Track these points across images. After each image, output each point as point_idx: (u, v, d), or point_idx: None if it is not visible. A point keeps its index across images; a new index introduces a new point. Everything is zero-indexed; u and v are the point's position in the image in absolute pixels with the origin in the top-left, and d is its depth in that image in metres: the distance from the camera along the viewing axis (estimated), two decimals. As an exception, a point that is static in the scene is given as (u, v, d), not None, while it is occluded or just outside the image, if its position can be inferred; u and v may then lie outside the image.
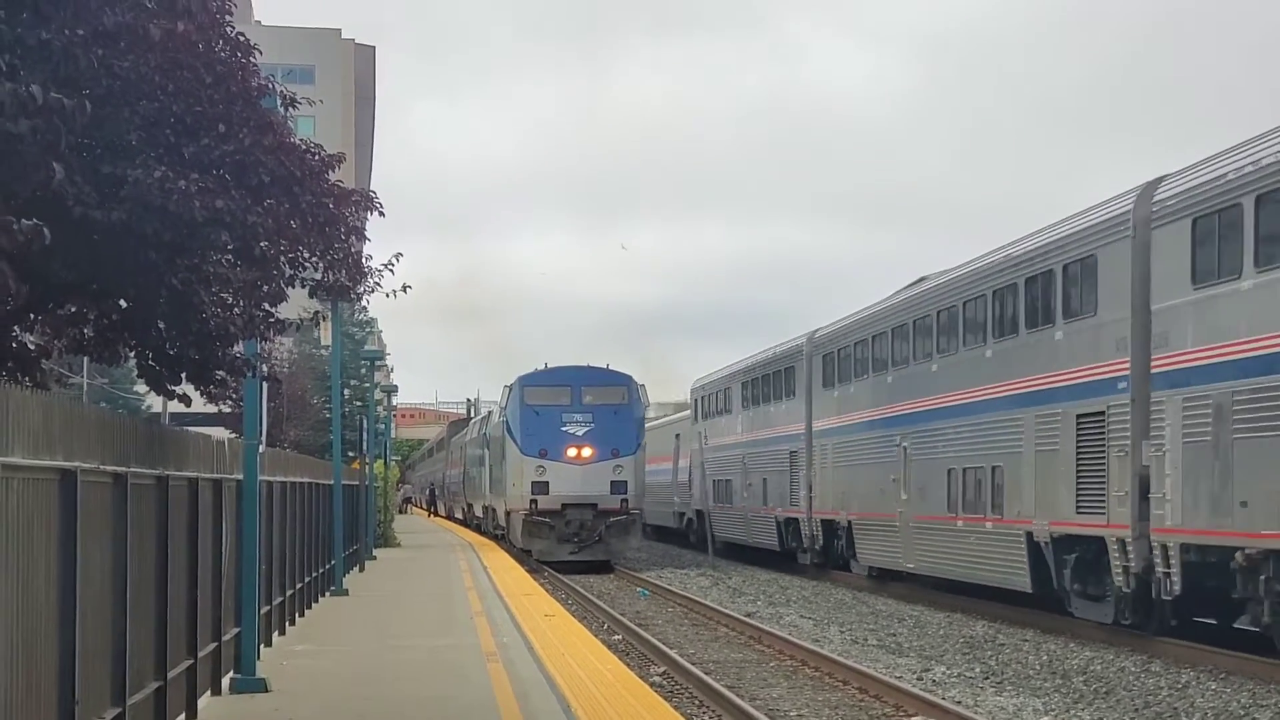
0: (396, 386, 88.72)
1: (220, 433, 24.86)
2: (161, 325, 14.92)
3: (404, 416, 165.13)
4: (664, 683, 24.36)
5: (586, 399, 56.09)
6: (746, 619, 33.95)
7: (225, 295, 14.91)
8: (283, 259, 15.12)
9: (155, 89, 13.33)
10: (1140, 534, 27.17)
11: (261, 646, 21.43)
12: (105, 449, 12.64)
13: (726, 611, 35.91)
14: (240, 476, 19.82)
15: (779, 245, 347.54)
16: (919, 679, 24.58)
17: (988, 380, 34.37)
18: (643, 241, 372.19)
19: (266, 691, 19.35)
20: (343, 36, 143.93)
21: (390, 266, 16.78)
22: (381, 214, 16.12)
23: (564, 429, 55.23)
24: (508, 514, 59.20)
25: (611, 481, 54.87)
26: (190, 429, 19.22)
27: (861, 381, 44.20)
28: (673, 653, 27.50)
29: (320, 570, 34.72)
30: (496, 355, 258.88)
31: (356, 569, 45.66)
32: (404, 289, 17.10)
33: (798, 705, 22.16)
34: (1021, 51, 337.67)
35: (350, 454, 56.38)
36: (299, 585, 29.56)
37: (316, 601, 33.36)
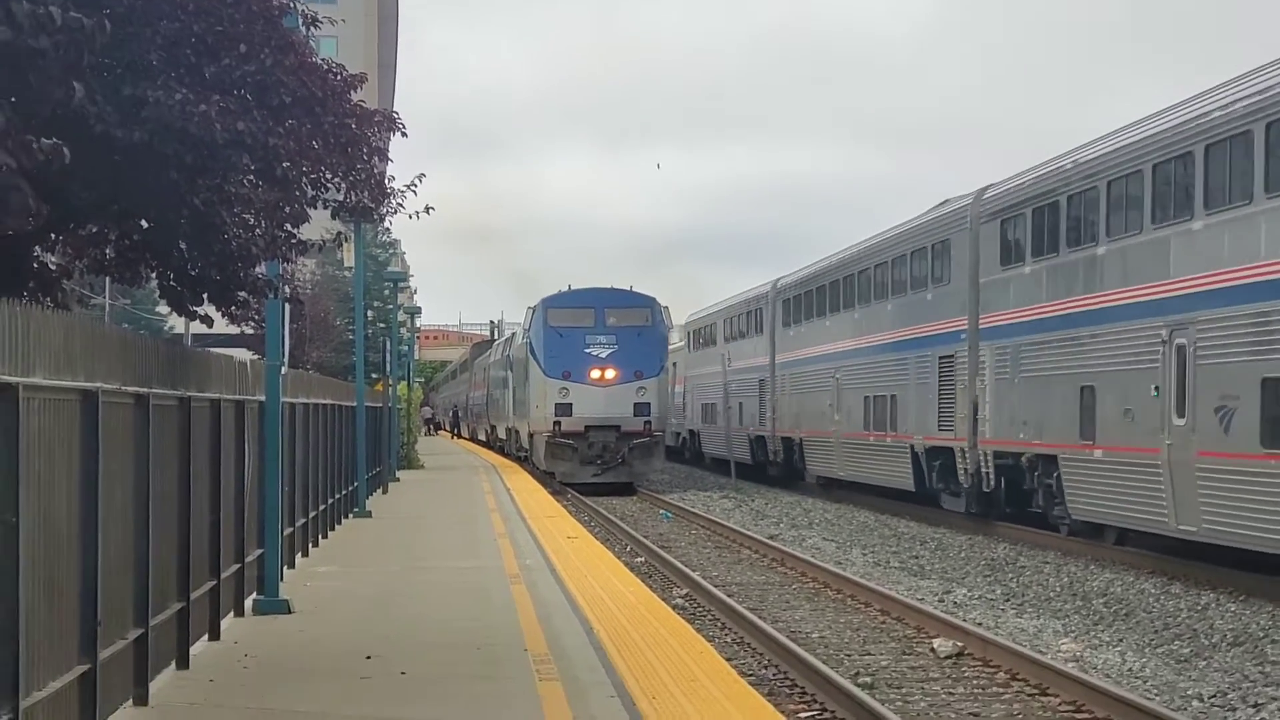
0: (420, 308, 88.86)
1: (243, 354, 24.84)
2: (183, 246, 14.87)
3: (427, 338, 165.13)
4: (686, 605, 24.42)
5: (610, 320, 56.05)
6: (769, 541, 34.00)
7: (247, 216, 14.85)
8: (305, 180, 15.05)
9: (176, 8, 13.25)
10: (973, 445, 37.01)
11: (284, 568, 21.49)
12: (127, 370, 12.64)
13: (749, 534, 35.97)
14: (263, 398, 19.82)
15: (803, 169, 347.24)
16: (940, 601, 24.62)
17: (888, 328, 44.16)
18: (665, 165, 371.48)
19: (290, 613, 19.41)
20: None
21: (413, 187, 16.71)
22: (405, 135, 16.04)
23: (587, 350, 55.20)
24: (531, 436, 59.29)
25: (635, 403, 54.91)
26: (212, 350, 19.21)
27: (810, 323, 53.62)
28: (695, 575, 27.56)
29: (343, 492, 34.81)
30: (519, 279, 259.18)
31: (380, 491, 45.79)
32: (427, 210, 17.02)
33: (820, 627, 22.20)
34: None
35: (373, 376, 56.37)
36: (322, 507, 29.63)
37: (340, 523, 33.47)
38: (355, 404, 38.39)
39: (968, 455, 37.18)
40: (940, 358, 39.24)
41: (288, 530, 23.00)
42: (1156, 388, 27.41)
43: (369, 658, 15.92)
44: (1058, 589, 26.49)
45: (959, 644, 19.69)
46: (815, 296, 53.13)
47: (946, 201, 40.63)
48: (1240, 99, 25.22)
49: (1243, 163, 24.90)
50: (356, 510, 36.76)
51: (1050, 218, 32.77)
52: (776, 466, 58.14)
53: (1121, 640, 20.99)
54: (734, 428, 61.82)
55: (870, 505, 45.70)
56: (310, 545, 27.47)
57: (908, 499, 42.61)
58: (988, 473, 36.29)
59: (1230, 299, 25.15)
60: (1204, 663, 19.28)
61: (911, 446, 41.40)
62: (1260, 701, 16.61)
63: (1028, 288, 33.79)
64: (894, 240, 44.55)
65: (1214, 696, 16.95)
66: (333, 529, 31.74)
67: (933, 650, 19.73)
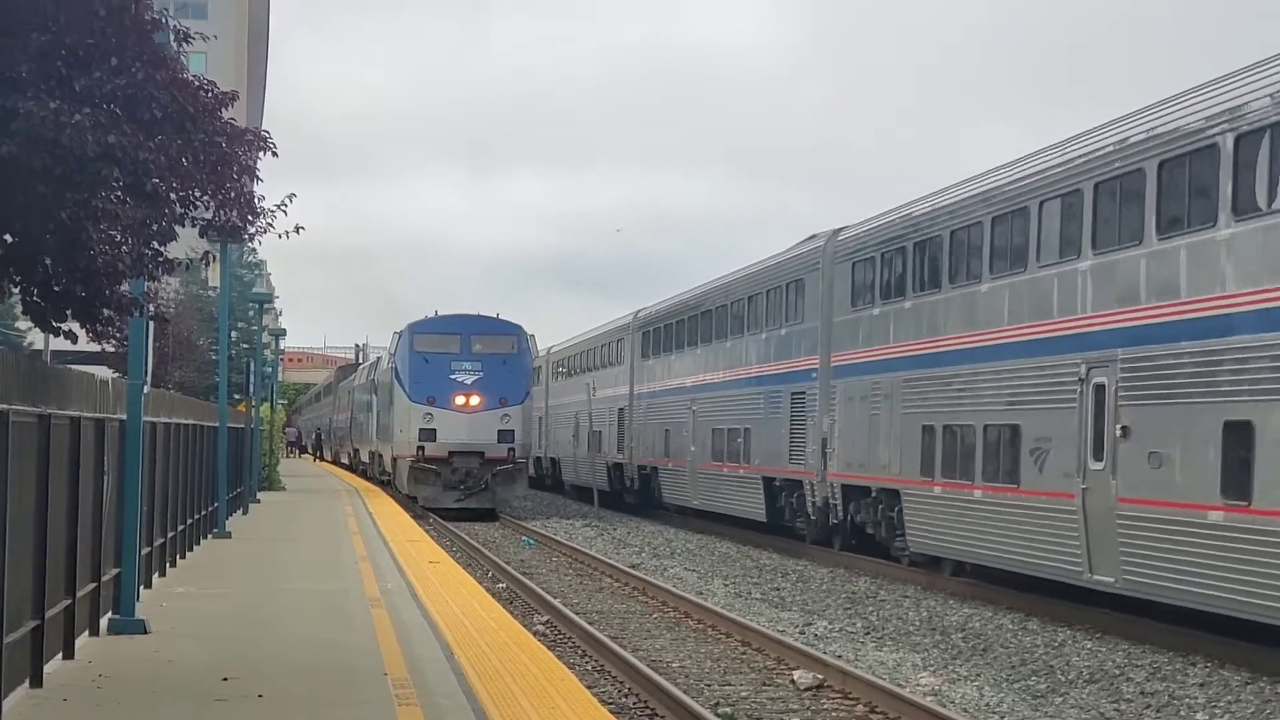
0: (284, 330, 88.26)
1: (104, 372, 24.57)
2: (48, 261, 14.66)
3: (291, 360, 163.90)
4: (547, 632, 24.38)
5: (476, 347, 56.05)
6: (631, 570, 34.03)
7: (114, 232, 14.66)
8: (174, 197, 14.90)
9: (47, 20, 13.10)
10: (821, 477, 38.23)
11: (141, 588, 21.26)
12: (-13, 384, 12.44)
13: (611, 562, 35.98)
14: (124, 417, 19.59)
15: (668, 196, 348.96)
16: (801, 633, 24.74)
17: (744, 363, 45.57)
18: (529, 190, 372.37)
19: (146, 633, 19.18)
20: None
21: (283, 207, 16.58)
22: (275, 154, 15.91)
23: (453, 377, 55.16)
24: (394, 460, 59.06)
25: (499, 430, 54.93)
26: (73, 367, 18.96)
27: (669, 356, 55.14)
28: (556, 602, 27.52)
29: (203, 513, 34.47)
30: (384, 303, 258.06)
31: (240, 512, 45.37)
32: (297, 230, 16.85)
33: (680, 657, 22.23)
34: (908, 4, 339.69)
35: (236, 396, 55.88)
36: (181, 527, 29.31)
37: (199, 544, 33.12)
38: (217, 424, 38.04)
39: (816, 488, 38.68)
40: (792, 393, 40.74)
41: (146, 550, 22.74)
42: (985, 427, 29.21)
43: (226, 679, 15.76)
44: (917, 623, 26.69)
45: (819, 676, 19.79)
46: (674, 329, 54.69)
47: (814, 236, 41.30)
48: (1070, 159, 26.78)
49: (1072, 222, 26.46)
50: (216, 531, 36.41)
51: (898, 263, 34.09)
52: (633, 494, 59.38)
53: (979, 675, 21.17)
54: (593, 456, 63.16)
55: (732, 536, 45.86)
56: (168, 565, 27.17)
57: (759, 529, 44.00)
58: (835, 504, 37.69)
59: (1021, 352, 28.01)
60: (1060, 698, 19.50)
61: (763, 477, 42.93)
62: (1113, 737, 16.81)
63: (876, 329, 35.20)
64: (751, 277, 46.10)
65: (1068, 731, 17.13)
66: (191, 549, 31.41)
67: (793, 682, 19.81)
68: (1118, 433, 24.38)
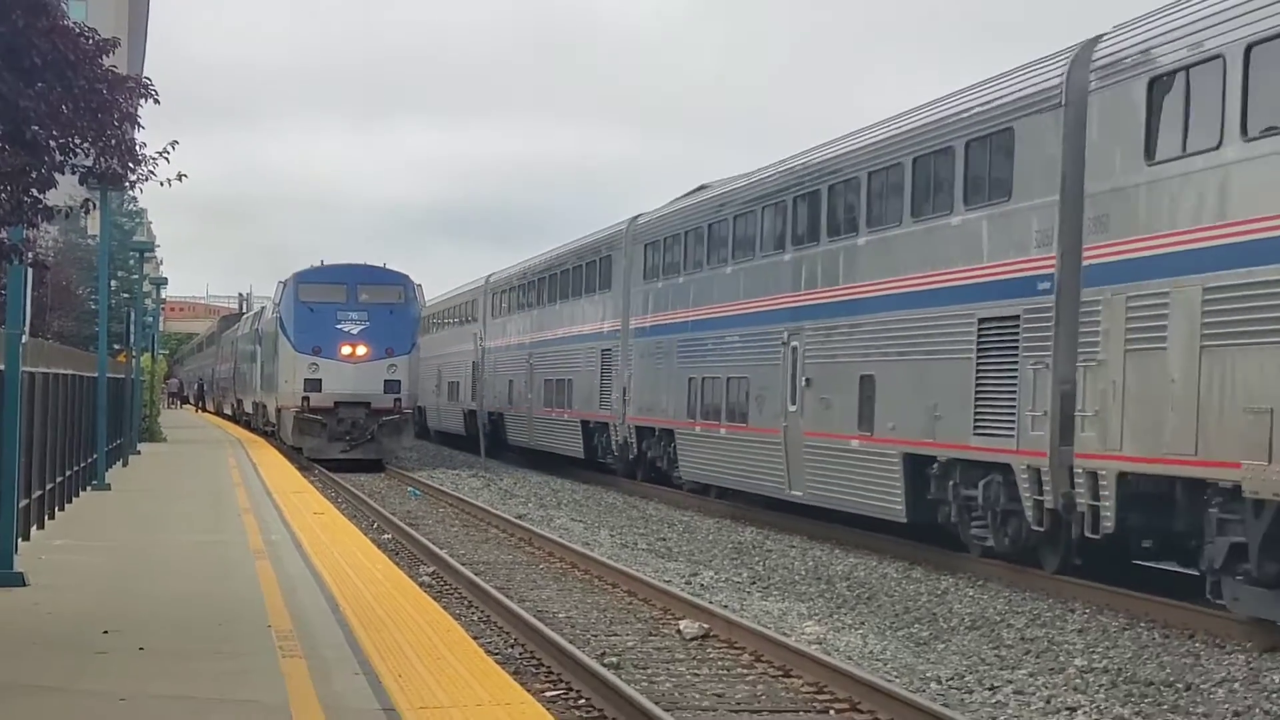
0: (166, 279, 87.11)
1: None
2: (-76, 208, 14.44)
3: (173, 310, 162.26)
4: (433, 582, 24.34)
5: (362, 297, 55.78)
6: (517, 521, 34.02)
7: (-9, 179, 14.46)
8: (54, 144, 14.69)
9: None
10: (622, 420, 46.13)
11: (19, 540, 20.98)
12: None
13: (497, 513, 35.95)
14: (1, 367, 19.32)
15: (552, 147, 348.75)
16: (687, 583, 24.82)
17: (566, 324, 53.29)
18: (419, 141, 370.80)
19: (24, 585, 18.94)
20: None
21: (165, 155, 16.35)
22: (157, 101, 15.69)
23: (339, 326, 54.86)
24: (279, 411, 58.68)
25: (385, 380, 54.72)
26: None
27: (512, 316, 62.31)
28: (442, 553, 27.48)
29: (82, 464, 34.10)
30: (269, 254, 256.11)
31: (120, 463, 44.94)
32: (179, 177, 16.63)
33: (566, 607, 22.26)
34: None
35: (116, 347, 55.29)
36: (59, 479, 28.97)
37: (78, 496, 32.77)
38: (97, 375, 37.63)
39: (618, 429, 46.38)
40: (602, 350, 48.31)
41: (24, 502, 22.45)
42: (728, 379, 37.33)
43: (106, 632, 15.60)
44: (803, 573, 26.86)
45: (705, 626, 19.86)
46: (517, 293, 62.12)
47: (627, 221, 48.25)
48: (781, 172, 35.37)
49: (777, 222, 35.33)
50: (95, 483, 36.04)
51: (676, 247, 42.39)
52: (487, 438, 62.63)
53: (863, 623, 21.34)
54: (450, 404, 70.69)
55: (618, 487, 45.98)
56: (46, 518, 26.85)
57: (579, 464, 51.68)
58: (632, 442, 45.45)
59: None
60: (942, 645, 19.69)
61: (581, 421, 50.39)
62: (996, 685, 17.00)
63: (661, 299, 43.14)
64: (575, 251, 53.66)
65: (952, 679, 17.30)
66: (70, 501, 31.07)
67: (679, 632, 19.87)
68: (804, 383, 32.62)
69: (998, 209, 25.67)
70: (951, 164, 27.17)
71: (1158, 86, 21.43)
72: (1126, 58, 22.26)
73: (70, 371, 30.83)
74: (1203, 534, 20.37)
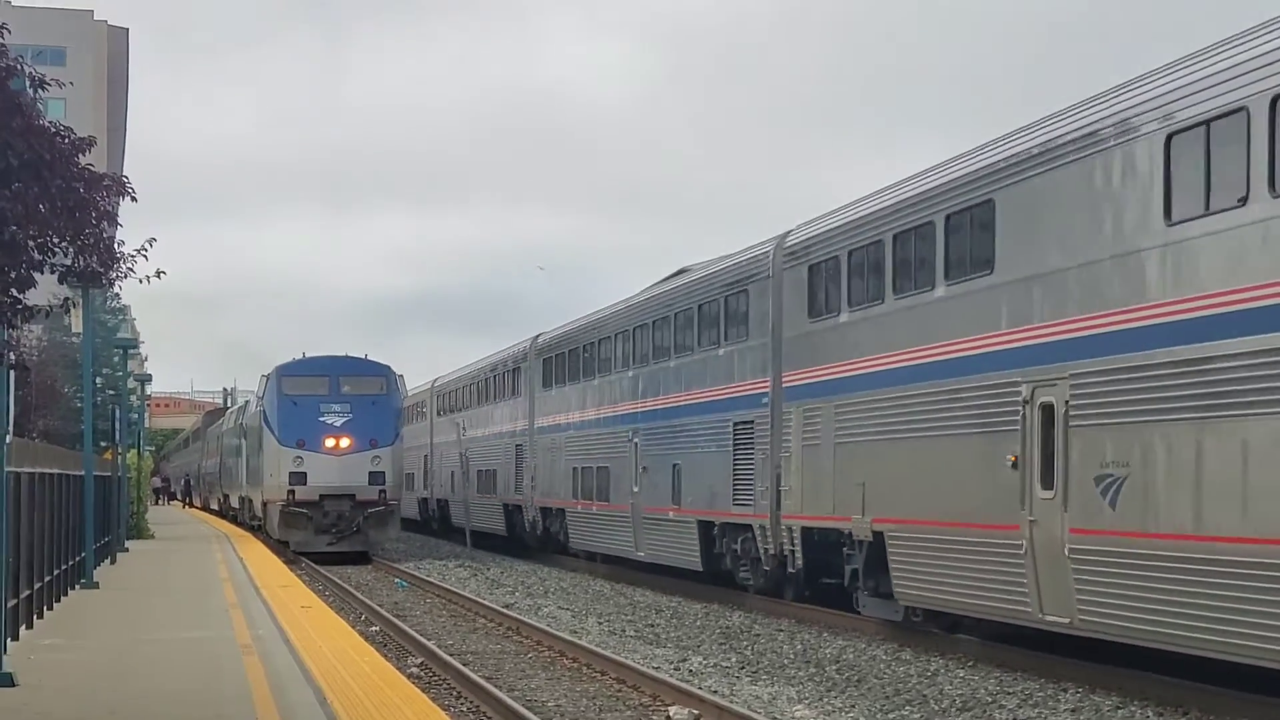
0: (150, 375, 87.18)
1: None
2: (-95, 311, 14.44)
3: (158, 406, 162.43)
4: (422, 674, 24.24)
5: (345, 389, 55.75)
6: (505, 610, 33.91)
7: (-30, 281, 14.47)
8: (31, 244, 14.72)
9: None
10: (530, 502, 56.64)
11: (8, 640, 20.91)
12: None
13: (484, 602, 35.85)
14: (-14, 467, 19.30)
15: (532, 234, 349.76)
16: (676, 669, 24.73)
17: (492, 423, 61.63)
18: (392, 229, 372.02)
19: (13, 686, 18.89)
20: (95, 18, 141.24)
21: (144, 252, 16.40)
22: (134, 199, 15.75)
23: (322, 419, 54.79)
24: (265, 504, 58.56)
25: (370, 472, 54.60)
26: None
27: (449, 416, 70.09)
28: (430, 644, 27.37)
29: (70, 563, 34.00)
30: (250, 346, 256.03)
31: (108, 561, 44.82)
32: (158, 274, 16.68)
33: (556, 696, 22.17)
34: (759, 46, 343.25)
35: (103, 444, 55.25)
36: (48, 578, 28.91)
37: (66, 594, 32.68)
38: (83, 473, 37.57)
39: (527, 510, 54.92)
40: (516, 445, 56.37)
41: (12, 602, 22.39)
42: (597, 468, 46.19)
43: (95, 732, 15.54)
44: (791, 656, 26.78)
45: (694, 712, 19.80)
46: (453, 395, 70.70)
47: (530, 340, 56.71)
48: (646, 300, 43.47)
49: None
50: (84, 581, 35.94)
51: (572, 356, 50.32)
52: (434, 518, 71.34)
53: (854, 706, 21.26)
54: (406, 492, 73.27)
55: (605, 574, 45.88)
56: (35, 617, 26.77)
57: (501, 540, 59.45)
58: (538, 521, 53.71)
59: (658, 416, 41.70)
60: (933, 727, 19.60)
61: (503, 504, 59.42)
62: (987, 764, 16.93)
63: (552, 403, 52.23)
64: (493, 364, 62.59)
65: (942, 760, 17.23)
66: (59, 600, 30.98)
67: (668, 718, 19.80)
68: (641, 470, 41.66)
69: (741, 344, 35.37)
70: (717, 311, 36.95)
71: (814, 271, 31.18)
72: (798, 247, 32.00)
73: (56, 470, 30.81)
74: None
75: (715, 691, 21.73)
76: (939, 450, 25.73)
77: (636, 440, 42.32)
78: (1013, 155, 23.82)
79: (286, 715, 16.69)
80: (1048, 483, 22.26)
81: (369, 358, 58.25)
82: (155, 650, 23.42)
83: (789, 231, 33.35)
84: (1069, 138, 22.24)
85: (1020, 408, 22.98)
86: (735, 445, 34.96)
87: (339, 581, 42.87)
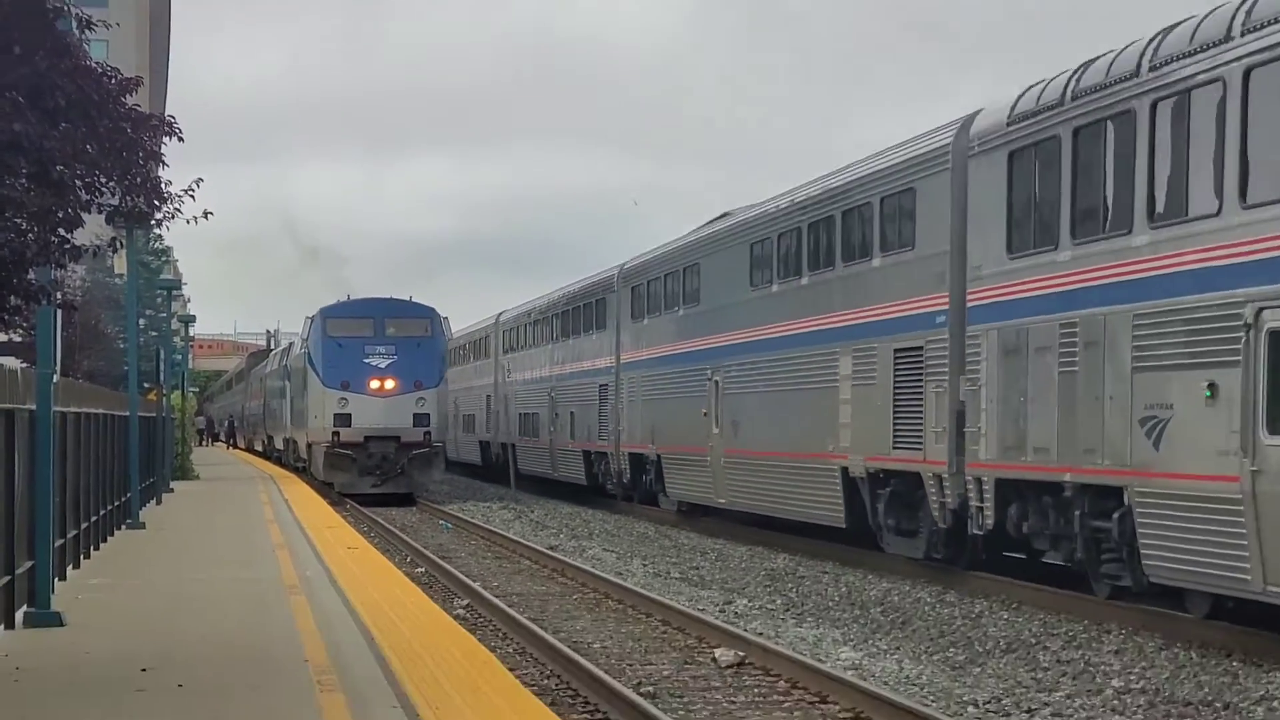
0: (194, 316, 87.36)
1: (11, 362, 24.24)
2: (-47, 251, 14.48)
3: (201, 347, 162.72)
4: (467, 615, 24.30)
5: (389, 331, 55.84)
6: (549, 552, 33.98)
7: (19, 220, 14.50)
8: (79, 184, 14.74)
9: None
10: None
11: (56, 580, 21.04)
12: (-106, 377, 12.28)
13: (529, 544, 35.92)
14: (34, 407, 19.38)
15: (569, 178, 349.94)
16: (721, 611, 24.75)
17: (539, 365, 63.13)
18: (431, 172, 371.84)
19: (62, 625, 19.00)
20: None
21: (191, 192, 16.41)
22: (181, 139, 15.73)
23: (366, 361, 54.91)
24: (309, 446, 58.76)
25: (414, 414, 54.73)
26: (-18, 358, 18.75)
27: (467, 364, 76.44)
28: (476, 585, 27.44)
29: (116, 503, 34.17)
30: (295, 287, 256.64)
31: (154, 502, 45.03)
32: (205, 215, 16.66)
33: (601, 638, 22.21)
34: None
35: (146, 385, 55.42)
36: (94, 518, 29.06)
37: (112, 535, 32.85)
38: (128, 414, 37.72)
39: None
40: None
41: (59, 542, 22.52)
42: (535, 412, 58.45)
43: (144, 670, 15.63)
44: (836, 598, 26.78)
45: (740, 653, 19.81)
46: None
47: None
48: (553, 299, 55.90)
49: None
50: (130, 522, 36.11)
51: (524, 328, 63.54)
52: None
53: (899, 648, 21.26)
54: (469, 435, 75.85)
55: (649, 517, 45.91)
56: (82, 557, 26.93)
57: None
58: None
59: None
60: (978, 669, 19.59)
61: (478, 442, 71.00)
62: (1033, 707, 16.92)
63: (519, 363, 63.91)
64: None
65: (989, 702, 17.22)
66: (105, 540, 31.15)
67: (714, 660, 19.82)
68: (556, 415, 54.36)
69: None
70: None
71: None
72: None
73: (102, 410, 30.92)
74: None
75: (760, 634, 21.75)
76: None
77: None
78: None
79: (335, 654, 16.75)
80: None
81: (413, 299, 58.30)
82: (202, 590, 23.52)
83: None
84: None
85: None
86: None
87: (384, 523, 43.01)
